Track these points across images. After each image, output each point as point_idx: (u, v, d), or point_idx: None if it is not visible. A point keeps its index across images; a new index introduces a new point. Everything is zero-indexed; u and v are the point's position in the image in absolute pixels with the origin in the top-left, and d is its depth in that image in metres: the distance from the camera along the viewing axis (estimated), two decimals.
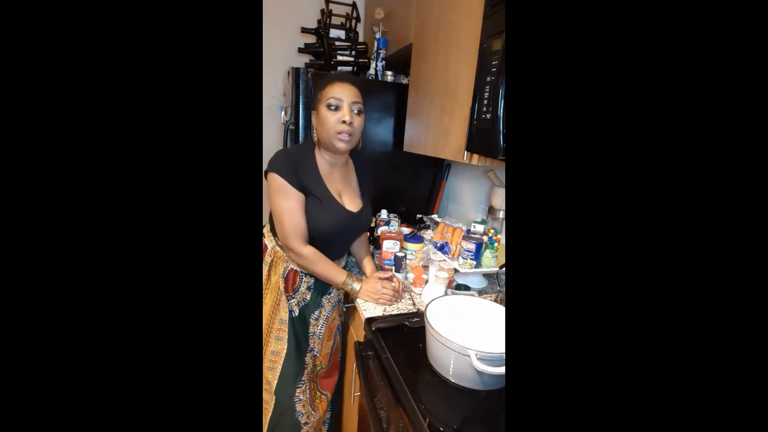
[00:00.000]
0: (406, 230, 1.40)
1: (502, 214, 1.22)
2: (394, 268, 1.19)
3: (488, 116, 0.83)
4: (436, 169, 1.69)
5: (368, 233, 1.25)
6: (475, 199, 1.48)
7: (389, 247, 1.20)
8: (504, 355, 0.64)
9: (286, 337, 1.00)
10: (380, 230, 1.30)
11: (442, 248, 1.20)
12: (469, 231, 1.19)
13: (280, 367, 1.00)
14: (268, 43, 1.91)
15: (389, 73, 1.61)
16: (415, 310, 1.01)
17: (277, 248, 1.01)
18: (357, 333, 1.12)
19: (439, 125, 1.15)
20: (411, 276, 1.16)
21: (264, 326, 1.01)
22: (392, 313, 0.99)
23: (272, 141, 2.03)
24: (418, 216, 1.64)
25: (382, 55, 1.60)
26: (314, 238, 0.98)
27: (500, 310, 0.85)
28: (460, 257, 1.13)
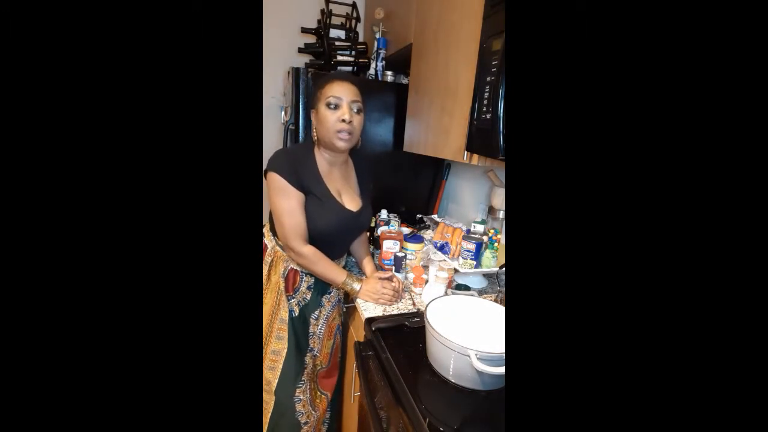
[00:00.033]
0: (406, 230, 1.40)
1: (502, 214, 1.22)
2: (394, 268, 1.19)
3: (488, 116, 0.83)
4: (436, 169, 1.69)
5: (368, 233, 1.25)
6: (475, 199, 1.48)
7: (389, 247, 1.20)
8: (504, 355, 0.64)
9: (287, 336, 1.00)
10: (380, 230, 1.30)
11: (442, 248, 1.20)
12: (469, 231, 1.19)
13: (280, 366, 1.00)
14: (268, 43, 1.91)
15: (389, 73, 1.61)
16: (415, 310, 1.01)
17: (277, 248, 1.01)
18: (357, 333, 1.12)
19: (439, 125, 1.15)
20: (411, 276, 1.16)
21: (264, 326, 1.01)
22: (392, 313, 0.99)
23: (272, 141, 2.03)
24: (418, 216, 1.64)
25: (382, 55, 1.60)
26: (314, 238, 0.97)
27: (500, 310, 0.85)
28: (460, 257, 1.13)
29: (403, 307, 1.03)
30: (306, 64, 1.59)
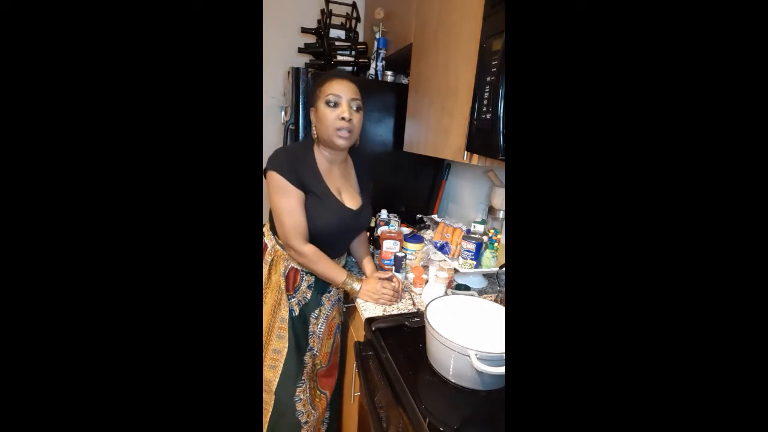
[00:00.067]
0: (406, 230, 1.40)
1: (502, 214, 1.22)
2: (394, 268, 1.19)
3: (488, 116, 0.83)
4: (436, 169, 1.69)
5: (368, 233, 1.25)
6: (475, 199, 1.48)
7: (389, 247, 1.20)
8: (504, 355, 0.64)
9: (287, 335, 1.00)
10: (380, 230, 1.30)
11: (442, 248, 1.20)
12: (469, 231, 1.19)
13: (281, 365, 1.00)
14: (268, 43, 1.91)
15: (389, 73, 1.61)
16: (415, 310, 1.01)
17: (278, 247, 1.01)
18: (357, 333, 1.12)
19: (439, 125, 1.15)
20: (411, 276, 1.16)
21: (265, 325, 1.01)
22: (392, 313, 0.99)
23: (272, 141, 2.03)
24: (418, 216, 1.64)
25: (382, 55, 1.60)
26: (314, 236, 0.97)
27: (500, 310, 0.85)
28: (460, 257, 1.13)
29: (403, 307, 1.03)
30: (306, 64, 1.59)
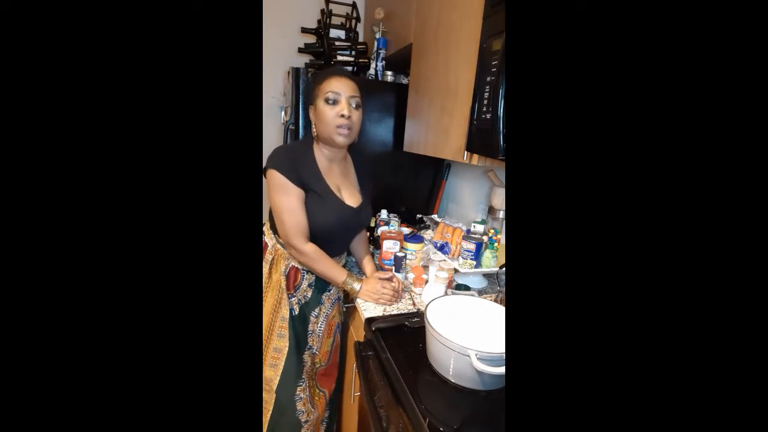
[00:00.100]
0: (406, 230, 1.40)
1: (502, 214, 1.22)
2: (394, 268, 1.19)
3: (488, 116, 0.83)
4: (436, 169, 1.69)
5: (368, 233, 1.25)
6: (475, 199, 1.48)
7: (389, 247, 1.20)
8: (504, 355, 0.64)
9: (288, 334, 1.00)
10: (380, 230, 1.30)
11: (442, 248, 1.20)
12: (469, 231, 1.19)
13: (282, 364, 1.01)
14: (268, 43, 1.91)
15: (389, 73, 1.61)
16: (415, 310, 1.01)
17: (278, 246, 1.01)
18: (357, 333, 1.12)
19: (439, 125, 1.15)
20: (411, 276, 1.16)
21: (266, 324, 1.01)
22: (392, 313, 0.99)
23: (272, 141, 2.03)
24: (418, 216, 1.64)
25: (382, 55, 1.60)
26: (314, 234, 0.97)
27: (500, 310, 0.85)
28: (460, 257, 1.13)
29: (403, 307, 1.03)
30: (306, 64, 1.59)
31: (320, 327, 1.07)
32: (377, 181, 1.21)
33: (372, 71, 1.63)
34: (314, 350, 1.07)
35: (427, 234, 1.50)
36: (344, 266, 1.12)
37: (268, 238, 1.04)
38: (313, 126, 0.99)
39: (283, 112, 1.79)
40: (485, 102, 0.84)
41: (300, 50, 1.75)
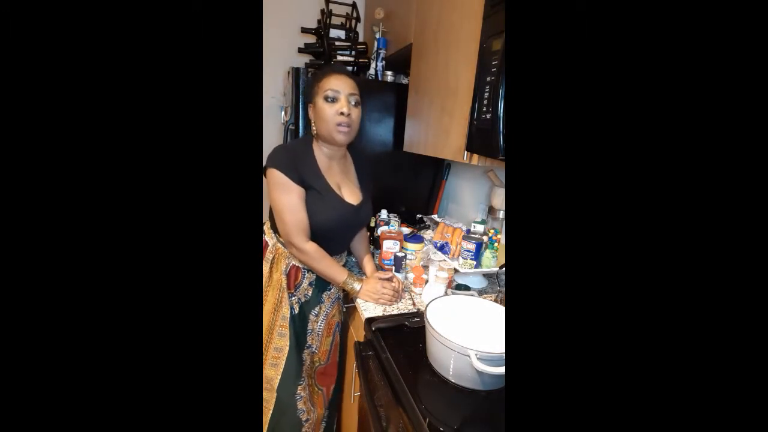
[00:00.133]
0: (406, 230, 1.40)
1: (502, 214, 1.22)
2: (394, 268, 1.19)
3: (488, 116, 0.83)
4: (436, 169, 1.69)
5: (368, 232, 1.25)
6: (475, 199, 1.48)
7: (389, 247, 1.20)
8: (504, 355, 0.64)
9: (289, 333, 1.00)
10: (380, 230, 1.30)
11: (442, 248, 1.20)
12: (469, 231, 1.19)
13: (283, 363, 1.01)
14: (268, 43, 1.91)
15: (389, 73, 1.61)
16: (415, 310, 1.01)
17: (279, 245, 1.01)
18: (357, 333, 1.12)
19: (439, 125, 1.15)
20: (411, 276, 1.16)
21: (267, 323, 1.01)
22: (392, 313, 0.99)
23: (272, 141, 2.03)
24: (418, 216, 1.64)
25: (382, 55, 1.60)
26: (315, 232, 0.98)
27: (500, 310, 0.85)
28: (460, 257, 1.13)
29: (403, 307, 1.03)
30: (306, 64, 1.59)
31: (320, 326, 1.07)
32: (377, 181, 1.21)
33: (372, 71, 1.63)
34: (313, 349, 1.07)
35: (427, 234, 1.50)
36: (344, 266, 1.12)
37: (269, 237, 1.04)
38: (313, 124, 0.99)
39: (283, 112, 1.79)
40: (485, 102, 0.84)
41: (300, 50, 1.75)
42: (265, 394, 1.02)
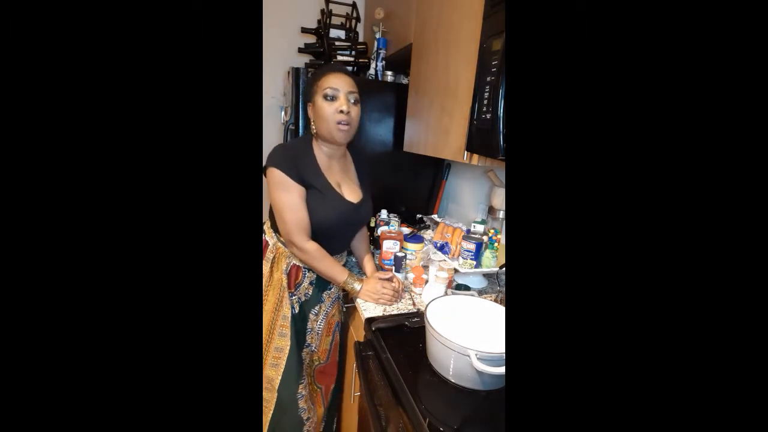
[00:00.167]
0: (406, 230, 1.40)
1: (502, 214, 1.22)
2: (394, 268, 1.19)
3: (488, 116, 0.83)
4: (436, 169, 1.69)
5: (368, 232, 1.25)
6: (475, 199, 1.48)
7: (389, 247, 1.20)
8: (504, 355, 0.64)
9: (290, 333, 1.00)
10: (380, 230, 1.30)
11: (442, 248, 1.20)
12: (469, 231, 1.19)
13: (284, 363, 1.01)
14: (268, 43, 1.91)
15: (389, 73, 1.61)
16: (415, 310, 1.01)
17: (279, 244, 1.01)
18: (357, 333, 1.12)
19: (439, 125, 1.15)
20: (411, 276, 1.16)
21: (267, 323, 1.01)
22: (392, 313, 0.99)
23: (272, 141, 2.03)
24: (418, 216, 1.64)
25: (382, 55, 1.60)
26: (315, 230, 0.98)
27: (500, 310, 0.85)
28: (460, 257, 1.13)
29: (403, 307, 1.03)
30: (306, 64, 1.59)
31: (319, 325, 1.08)
32: (377, 181, 1.21)
33: (372, 71, 1.63)
34: (313, 348, 1.08)
35: (427, 234, 1.50)
36: (344, 266, 1.12)
37: (269, 236, 1.04)
38: (312, 123, 0.99)
39: (283, 112, 1.79)
40: (485, 102, 0.84)
41: (300, 50, 1.75)
42: (265, 394, 1.02)
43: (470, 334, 0.82)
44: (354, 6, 1.79)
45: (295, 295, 1.02)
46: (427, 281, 1.12)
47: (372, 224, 1.43)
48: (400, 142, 1.52)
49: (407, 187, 1.69)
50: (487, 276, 1.25)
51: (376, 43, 1.60)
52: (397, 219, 1.47)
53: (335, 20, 1.75)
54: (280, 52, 1.96)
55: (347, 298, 1.18)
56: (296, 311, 1.02)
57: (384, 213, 1.50)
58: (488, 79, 0.83)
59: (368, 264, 1.15)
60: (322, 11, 1.73)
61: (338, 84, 0.93)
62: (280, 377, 1.01)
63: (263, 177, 0.95)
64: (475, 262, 1.11)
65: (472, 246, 1.10)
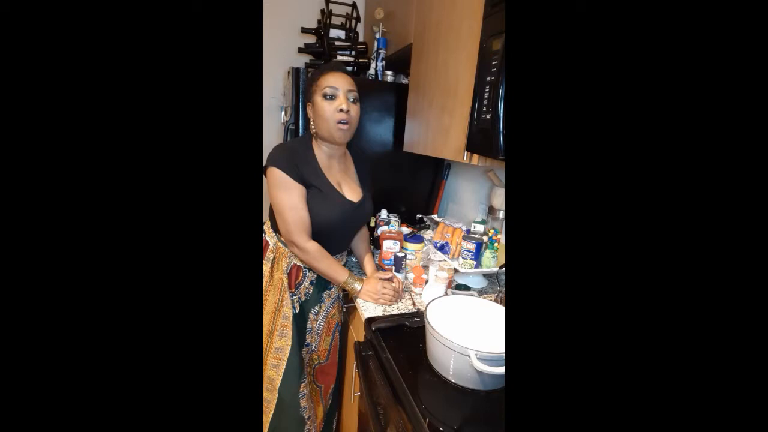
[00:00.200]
0: (406, 230, 1.40)
1: (502, 214, 1.22)
2: (394, 268, 1.19)
3: (488, 116, 0.83)
4: (436, 169, 1.69)
5: (368, 232, 1.25)
6: (475, 199, 1.48)
7: (389, 247, 1.20)
8: (504, 355, 0.64)
9: (290, 333, 1.00)
10: (380, 230, 1.30)
11: (442, 248, 1.20)
12: (469, 231, 1.19)
13: (284, 363, 1.01)
14: (268, 43, 1.91)
15: (389, 73, 1.61)
16: (415, 310, 1.01)
17: (279, 244, 1.01)
18: (357, 333, 1.12)
19: (439, 125, 1.15)
20: (411, 276, 1.16)
21: (267, 323, 1.01)
22: (392, 313, 0.99)
23: (272, 141, 2.03)
24: (418, 216, 1.64)
25: (382, 55, 1.60)
26: (316, 230, 0.97)
27: (500, 310, 0.85)
28: (460, 257, 1.13)
29: (403, 307, 1.03)
30: (306, 64, 1.60)
31: (319, 324, 1.08)
32: (377, 181, 1.21)
33: (372, 71, 1.63)
34: (312, 347, 1.08)
35: (427, 234, 1.50)
36: (344, 265, 1.12)
37: (269, 236, 1.04)
38: (312, 123, 0.99)
39: (283, 112, 1.79)
40: (485, 102, 0.84)
41: (300, 50, 1.75)
42: (266, 394, 1.02)
43: (470, 334, 0.82)
44: (354, 6, 1.79)
45: (295, 295, 1.02)
46: (427, 281, 1.12)
47: (372, 224, 1.44)
48: (400, 142, 1.52)
49: (407, 187, 1.69)
50: (487, 276, 1.25)
51: (376, 43, 1.60)
52: (397, 219, 1.47)
53: (335, 20, 1.75)
54: (280, 52, 1.96)
55: (347, 298, 1.18)
56: (296, 311, 1.02)
57: (384, 213, 1.50)
58: (488, 79, 0.83)
59: (368, 264, 1.15)
60: (322, 11, 1.74)
61: (337, 83, 0.93)
62: (280, 378, 1.01)
63: (263, 177, 0.95)
64: (475, 262, 1.11)
65: (472, 246, 1.10)
